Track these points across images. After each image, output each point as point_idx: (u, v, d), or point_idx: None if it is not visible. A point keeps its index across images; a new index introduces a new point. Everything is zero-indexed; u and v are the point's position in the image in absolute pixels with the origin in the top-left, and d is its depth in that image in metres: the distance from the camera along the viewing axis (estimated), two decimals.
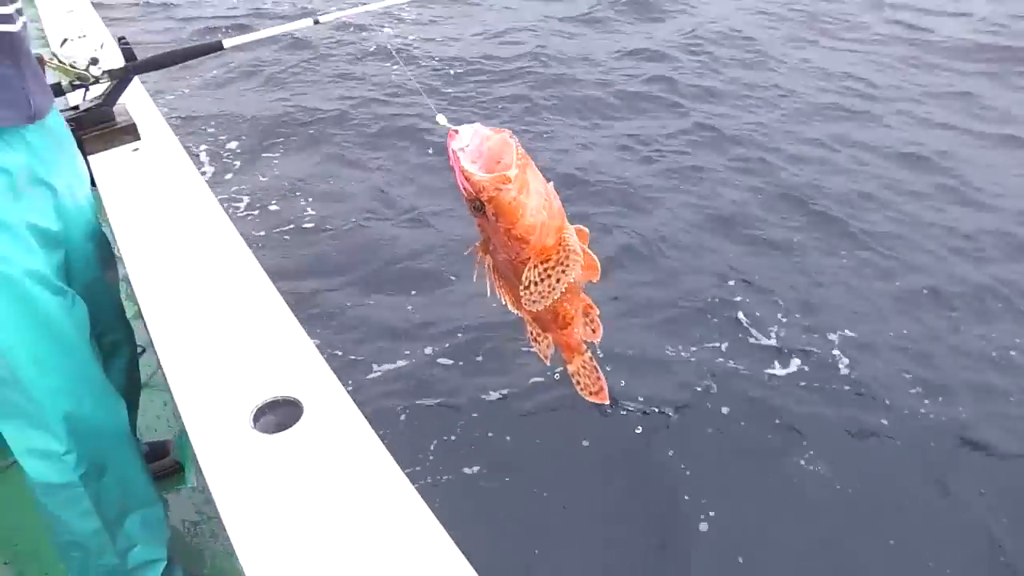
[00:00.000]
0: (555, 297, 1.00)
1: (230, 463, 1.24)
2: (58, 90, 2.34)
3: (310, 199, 5.19)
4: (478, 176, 0.92)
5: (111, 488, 1.79)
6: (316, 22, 2.74)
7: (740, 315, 4.06)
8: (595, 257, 1.05)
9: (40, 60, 2.30)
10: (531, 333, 1.15)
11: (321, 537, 1.11)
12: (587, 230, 1.05)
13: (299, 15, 7.86)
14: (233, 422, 1.31)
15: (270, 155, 5.81)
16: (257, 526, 1.13)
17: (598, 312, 1.12)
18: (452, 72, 7.24)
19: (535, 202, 0.96)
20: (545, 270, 0.98)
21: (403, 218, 4.97)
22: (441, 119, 1.01)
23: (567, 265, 0.99)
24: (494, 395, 3.57)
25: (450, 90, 6.81)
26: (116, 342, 2.08)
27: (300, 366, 1.42)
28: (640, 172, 5.44)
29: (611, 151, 5.78)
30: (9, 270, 1.53)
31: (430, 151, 5.70)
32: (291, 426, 1.28)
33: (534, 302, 1.01)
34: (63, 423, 1.66)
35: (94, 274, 1.89)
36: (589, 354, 1.15)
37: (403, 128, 6.11)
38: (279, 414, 1.32)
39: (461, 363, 3.75)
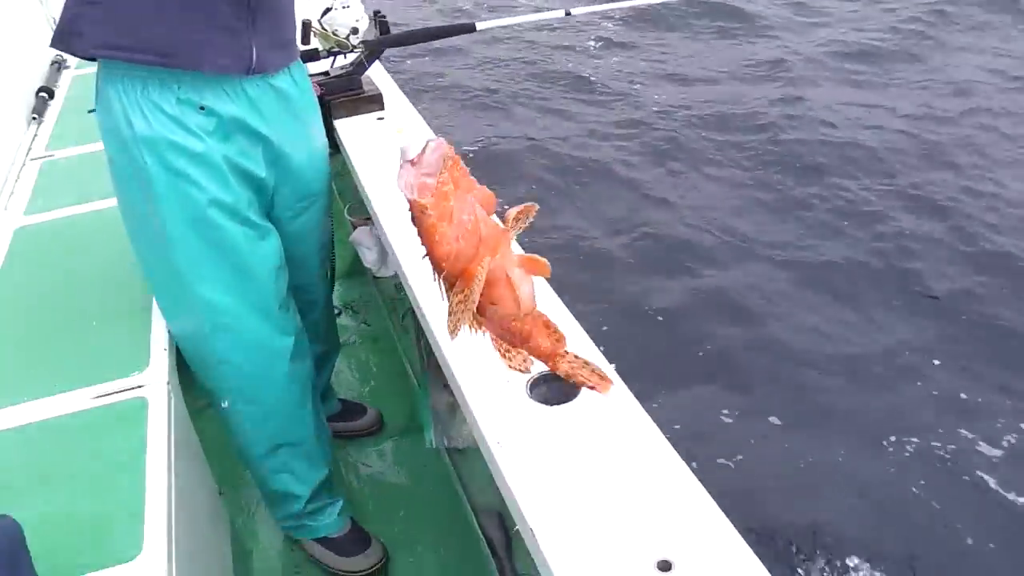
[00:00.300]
0: (466, 323, 1.01)
1: (506, 429, 1.25)
2: (313, 55, 2.41)
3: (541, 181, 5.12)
4: (406, 194, 0.94)
5: (266, 417, 1.87)
6: (568, 13, 2.74)
7: None
8: (539, 259, 1.04)
9: (307, 25, 2.38)
10: (499, 350, 1.14)
11: (598, 511, 1.10)
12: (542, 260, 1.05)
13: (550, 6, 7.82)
14: (510, 390, 1.31)
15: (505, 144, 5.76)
16: (542, 495, 1.13)
17: (556, 326, 1.13)
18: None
19: (454, 231, 0.96)
20: (457, 300, 1.00)
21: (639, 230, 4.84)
22: (400, 130, 1.06)
23: (467, 296, 0.99)
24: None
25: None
26: (313, 300, 2.14)
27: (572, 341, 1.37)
28: None
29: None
30: (195, 194, 1.62)
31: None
32: (567, 401, 1.28)
33: (453, 329, 1.02)
34: (224, 336, 1.75)
35: (305, 228, 1.94)
36: (573, 354, 1.15)
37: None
38: (553, 388, 1.31)
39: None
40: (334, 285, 2.84)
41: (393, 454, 2.44)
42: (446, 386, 1.88)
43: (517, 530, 1.60)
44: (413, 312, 2.18)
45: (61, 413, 1.59)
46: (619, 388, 1.31)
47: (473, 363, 1.38)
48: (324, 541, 2.12)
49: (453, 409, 1.82)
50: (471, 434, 1.76)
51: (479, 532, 1.59)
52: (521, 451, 1.22)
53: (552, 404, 1.28)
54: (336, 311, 2.92)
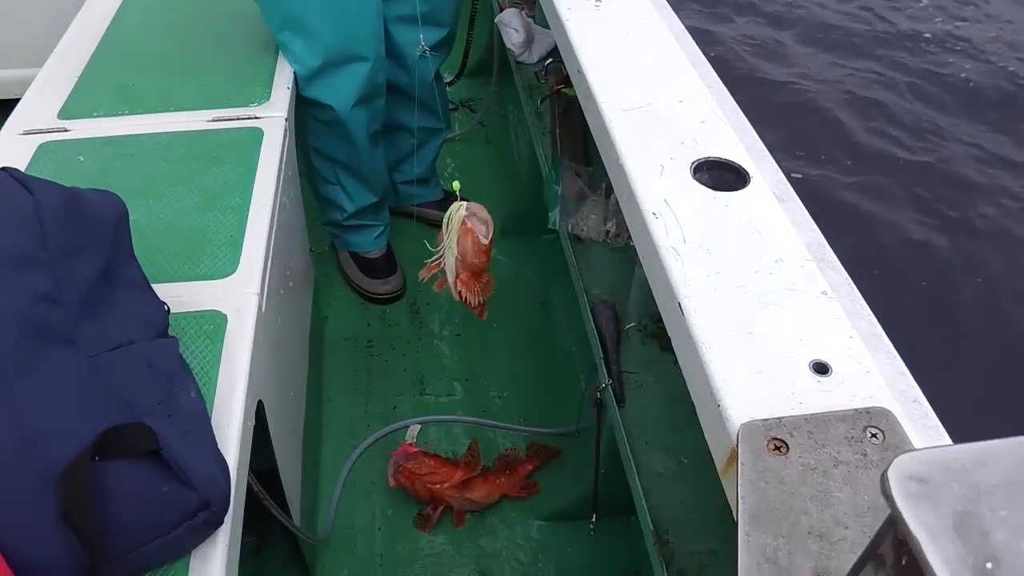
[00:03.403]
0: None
1: (664, 204, 1.15)
2: None
3: None
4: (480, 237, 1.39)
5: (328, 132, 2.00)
6: None
7: None
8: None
9: None
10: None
11: (753, 304, 1.00)
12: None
13: None
14: (672, 168, 1.22)
15: None
16: (694, 272, 1.03)
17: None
18: None
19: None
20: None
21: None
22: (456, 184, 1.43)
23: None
24: None
25: None
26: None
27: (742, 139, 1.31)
28: None
29: None
30: None
31: None
32: (733, 190, 1.19)
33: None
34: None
35: None
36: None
37: None
38: (716, 175, 1.22)
39: None
40: (466, 64, 2.74)
41: (497, 247, 2.40)
42: (578, 174, 1.76)
43: (631, 325, 1.53)
44: (551, 97, 2.06)
45: (178, 130, 1.60)
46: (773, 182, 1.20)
47: (635, 142, 1.27)
48: (356, 256, 2.38)
49: (582, 197, 1.72)
50: (597, 224, 1.66)
51: (592, 322, 1.50)
52: (675, 228, 1.10)
53: (717, 189, 1.18)
54: (452, 106, 2.90)
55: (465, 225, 1.36)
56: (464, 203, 1.37)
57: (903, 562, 0.46)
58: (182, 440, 0.87)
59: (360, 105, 1.93)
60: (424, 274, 1.47)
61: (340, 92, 1.88)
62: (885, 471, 0.45)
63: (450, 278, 1.43)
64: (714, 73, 1.47)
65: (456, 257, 1.39)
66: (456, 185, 1.40)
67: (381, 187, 2.25)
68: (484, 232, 1.37)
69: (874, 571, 0.48)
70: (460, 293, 1.43)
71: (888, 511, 0.45)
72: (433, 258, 1.45)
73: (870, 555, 0.49)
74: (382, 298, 2.38)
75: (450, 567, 1.77)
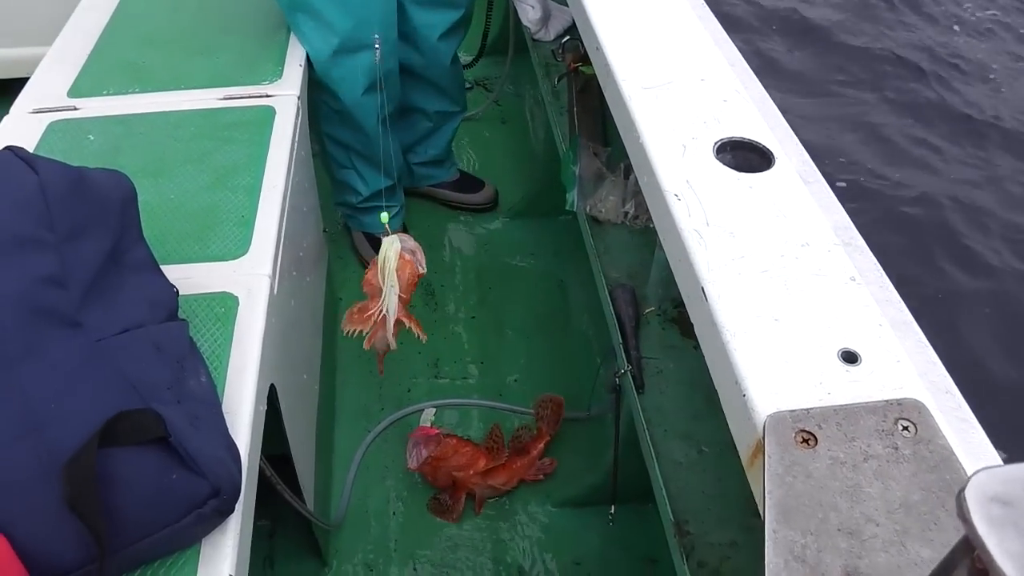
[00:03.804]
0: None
1: (687, 185, 1.12)
2: None
3: None
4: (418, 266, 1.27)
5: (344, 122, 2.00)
6: None
7: None
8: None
9: None
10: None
11: (779, 290, 0.97)
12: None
13: None
14: (694, 148, 1.19)
15: None
16: (718, 253, 1.00)
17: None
18: None
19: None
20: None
21: None
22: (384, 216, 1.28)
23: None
24: None
25: None
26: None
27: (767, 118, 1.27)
28: None
29: None
30: None
31: None
32: (757, 171, 1.15)
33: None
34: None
35: None
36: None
37: None
38: (740, 156, 1.18)
39: None
40: (485, 46, 2.71)
41: (512, 228, 2.38)
42: (596, 154, 1.73)
43: (651, 310, 1.50)
44: (569, 76, 2.03)
45: (189, 108, 1.58)
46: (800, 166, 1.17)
47: (656, 121, 1.24)
48: (370, 237, 2.35)
49: (600, 178, 1.69)
50: (615, 206, 1.63)
51: (610, 306, 1.47)
52: (698, 210, 1.07)
53: (741, 170, 1.15)
54: (468, 85, 2.85)
55: (404, 258, 1.25)
56: (395, 236, 1.26)
57: None
58: (192, 426, 0.85)
59: (370, 92, 1.90)
60: (351, 327, 1.32)
61: (349, 80, 1.86)
62: (962, 491, 0.41)
63: (392, 319, 1.30)
64: (736, 51, 1.44)
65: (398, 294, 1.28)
66: (384, 217, 1.28)
67: (395, 170, 2.22)
68: (421, 261, 1.28)
69: None
70: (394, 331, 1.32)
71: (962, 532, 0.41)
72: (365, 308, 1.30)
73: None
74: None
75: (465, 552, 1.76)
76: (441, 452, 1.77)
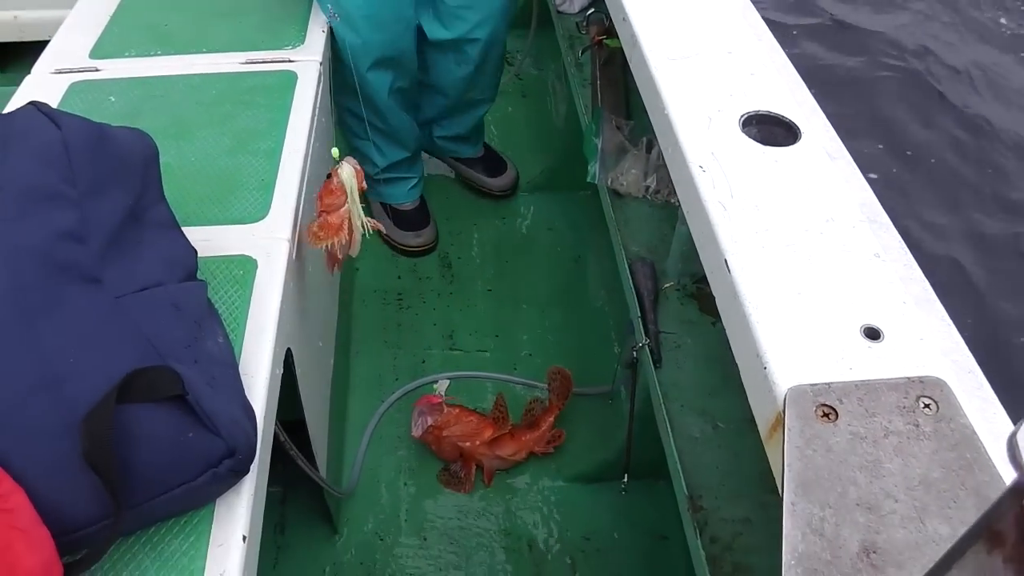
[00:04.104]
0: None
1: (711, 157, 1.11)
2: None
3: None
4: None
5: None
6: None
7: None
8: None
9: None
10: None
11: (801, 265, 0.96)
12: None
13: None
14: (720, 120, 1.18)
15: None
16: (741, 228, 0.99)
17: None
18: None
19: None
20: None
21: None
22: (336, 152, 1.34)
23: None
24: None
25: None
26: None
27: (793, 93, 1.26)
28: None
29: None
30: None
31: None
32: (783, 145, 1.14)
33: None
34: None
35: None
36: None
37: None
38: (765, 130, 1.17)
39: None
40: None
41: (531, 202, 2.37)
42: (618, 128, 1.71)
43: (670, 285, 1.50)
44: (592, 48, 2.01)
45: (211, 71, 1.57)
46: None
47: (682, 92, 1.23)
48: (388, 207, 2.35)
49: (622, 151, 1.68)
50: (637, 180, 1.61)
51: (630, 280, 1.46)
52: (722, 183, 1.06)
53: (767, 144, 1.14)
54: None
55: (357, 172, 1.30)
56: (344, 160, 1.30)
57: None
58: (208, 386, 0.85)
59: (376, 68, 1.90)
60: (323, 242, 1.31)
61: (356, 53, 1.85)
62: (1014, 434, 0.41)
63: (358, 224, 1.33)
64: (764, 24, 1.42)
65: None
66: (335, 152, 1.32)
67: (412, 143, 2.21)
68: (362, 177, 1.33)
69: (987, 550, 0.44)
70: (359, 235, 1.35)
71: (1012, 480, 0.40)
72: (325, 224, 1.30)
73: (982, 530, 0.44)
74: (414, 251, 2.35)
75: (475, 524, 1.76)
76: (443, 421, 1.77)
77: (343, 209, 1.28)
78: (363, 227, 1.33)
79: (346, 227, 1.30)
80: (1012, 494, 0.42)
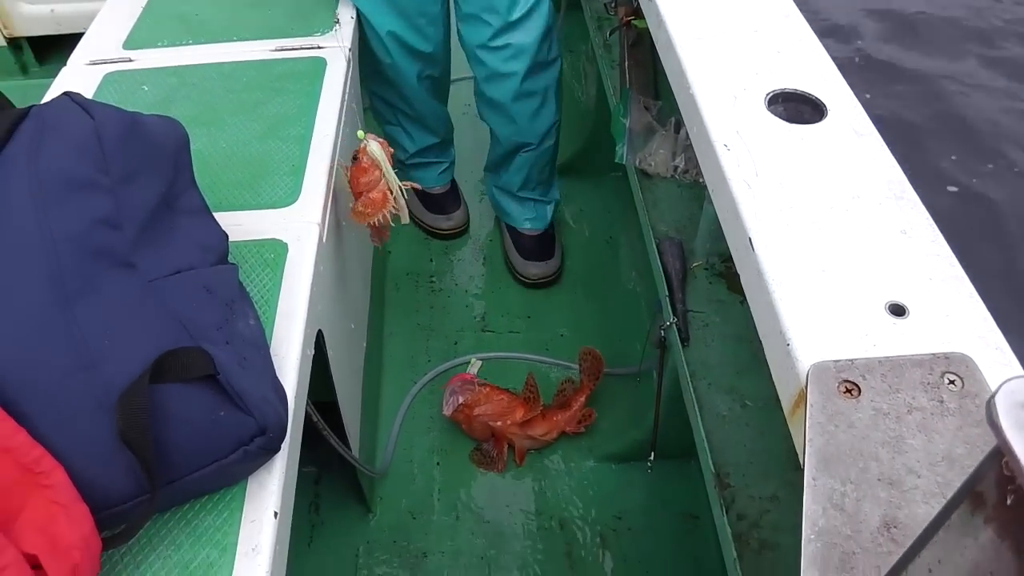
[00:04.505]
0: None
1: (736, 136, 1.11)
2: None
3: None
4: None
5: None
6: None
7: None
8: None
9: None
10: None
11: (825, 239, 0.96)
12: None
13: None
14: (745, 98, 1.17)
15: None
16: (766, 210, 0.99)
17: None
18: None
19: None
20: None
21: None
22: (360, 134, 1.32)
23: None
24: None
25: None
26: None
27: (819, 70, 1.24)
28: None
29: None
30: None
31: None
32: (809, 123, 1.13)
33: None
34: None
35: None
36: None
37: None
38: (792, 108, 1.16)
39: None
40: None
41: (561, 185, 2.37)
42: (647, 108, 1.71)
43: (698, 264, 1.49)
44: (620, 30, 2.00)
45: (241, 59, 1.59)
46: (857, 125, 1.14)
47: (707, 71, 1.22)
48: (419, 191, 2.31)
49: (650, 132, 1.67)
50: (665, 160, 1.61)
51: (657, 259, 1.46)
52: (747, 161, 1.06)
53: (792, 121, 1.13)
54: None
55: (384, 146, 1.33)
56: (368, 137, 1.32)
57: (1008, 501, 0.42)
58: (240, 366, 0.87)
59: (405, 56, 1.90)
60: (370, 218, 1.36)
61: (383, 40, 1.86)
62: (992, 397, 0.41)
63: (397, 191, 1.37)
64: (791, 1, 1.40)
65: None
66: (360, 134, 1.32)
67: (442, 129, 2.22)
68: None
69: (971, 511, 0.44)
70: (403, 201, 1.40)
71: (993, 443, 0.41)
72: (367, 202, 1.35)
73: (966, 493, 0.45)
74: (444, 233, 2.36)
75: (507, 503, 1.78)
76: (474, 399, 1.79)
77: (381, 183, 1.31)
78: (402, 191, 1.36)
79: (390, 198, 1.34)
80: (992, 457, 0.43)
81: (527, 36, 1.86)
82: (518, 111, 1.97)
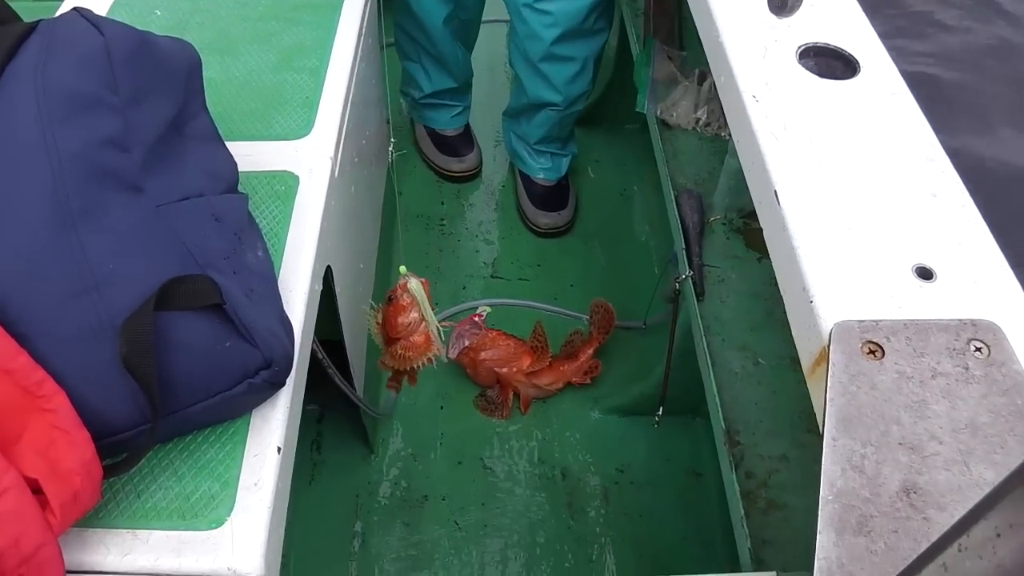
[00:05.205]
0: None
1: (765, 88, 1.08)
2: None
3: None
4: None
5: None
6: None
7: None
8: None
9: None
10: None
11: (853, 199, 0.93)
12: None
13: None
14: (776, 51, 1.14)
15: None
16: (793, 164, 0.96)
17: None
18: None
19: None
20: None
21: None
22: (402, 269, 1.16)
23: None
24: None
25: None
26: None
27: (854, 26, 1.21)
28: None
29: None
30: None
31: None
32: (841, 79, 1.10)
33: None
34: None
35: None
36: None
37: None
38: (823, 63, 1.13)
39: None
40: None
41: (578, 134, 2.33)
42: (671, 58, 1.66)
43: (716, 218, 1.47)
44: None
45: None
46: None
47: (738, 20, 1.19)
48: (432, 132, 2.33)
49: (673, 82, 1.64)
50: (687, 111, 1.57)
51: (675, 210, 1.43)
52: (776, 113, 1.03)
53: (824, 76, 1.10)
54: None
55: (422, 282, 1.19)
56: (408, 274, 1.17)
57: None
58: (247, 297, 0.85)
59: None
60: (413, 363, 1.21)
61: None
62: None
63: (439, 346, 1.22)
64: None
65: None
66: (403, 269, 1.17)
67: (461, 75, 2.18)
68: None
69: None
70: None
71: (1019, 413, 0.39)
72: (408, 346, 1.20)
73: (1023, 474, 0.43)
74: (457, 175, 2.33)
75: (510, 450, 1.77)
76: (480, 343, 1.78)
77: (422, 325, 1.18)
78: (440, 334, 1.20)
79: (435, 341, 1.19)
80: None
81: (572, 3, 1.80)
82: (553, 72, 1.93)
